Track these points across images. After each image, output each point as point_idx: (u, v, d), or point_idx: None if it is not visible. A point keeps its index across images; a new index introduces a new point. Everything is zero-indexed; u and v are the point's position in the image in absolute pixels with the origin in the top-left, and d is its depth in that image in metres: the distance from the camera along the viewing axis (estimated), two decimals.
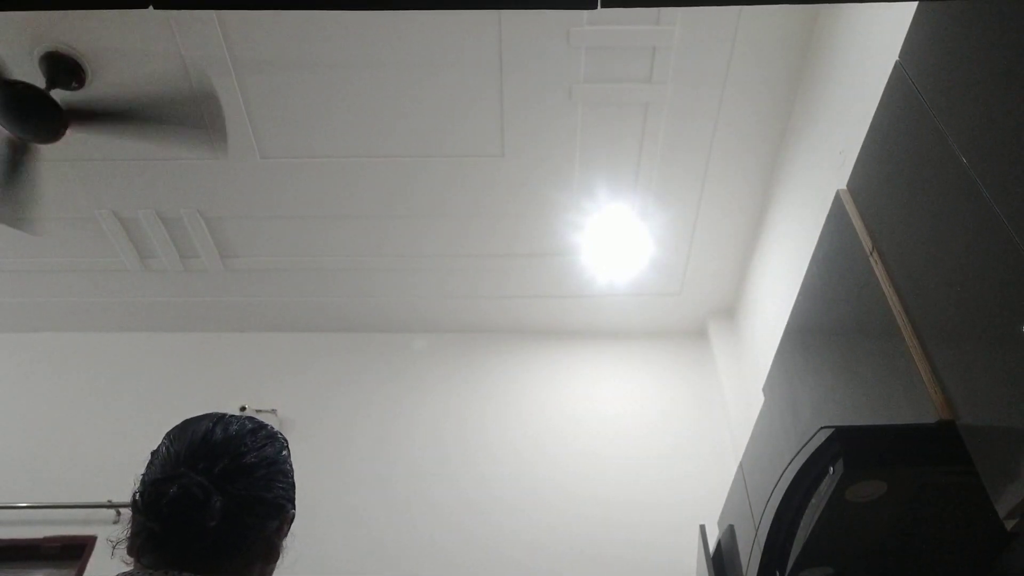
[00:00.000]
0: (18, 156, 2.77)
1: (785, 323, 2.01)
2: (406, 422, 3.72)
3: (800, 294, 1.93)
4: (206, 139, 2.91)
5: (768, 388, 2.11)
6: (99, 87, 2.88)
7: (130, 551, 0.94)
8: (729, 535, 2.18)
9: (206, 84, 2.81)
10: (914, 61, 1.41)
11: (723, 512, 2.33)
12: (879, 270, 1.50)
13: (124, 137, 2.79)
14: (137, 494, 0.94)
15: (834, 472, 1.34)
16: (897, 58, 1.47)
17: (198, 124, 2.86)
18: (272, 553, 1.00)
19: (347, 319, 4.05)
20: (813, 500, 1.45)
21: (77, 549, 3.23)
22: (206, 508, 0.91)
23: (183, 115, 2.78)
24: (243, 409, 3.65)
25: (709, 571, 2.22)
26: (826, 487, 1.38)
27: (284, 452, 1.07)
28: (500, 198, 3.39)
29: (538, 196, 3.37)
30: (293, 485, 1.05)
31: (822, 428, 1.40)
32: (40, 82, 2.72)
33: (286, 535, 1.02)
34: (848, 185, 1.68)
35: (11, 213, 2.99)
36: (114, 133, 2.77)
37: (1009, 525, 1.11)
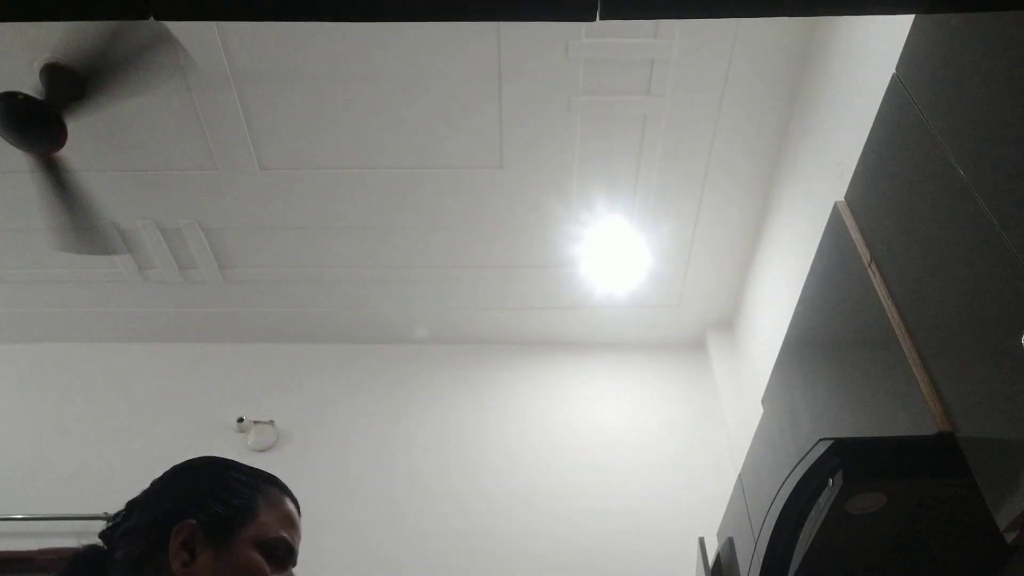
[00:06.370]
0: (54, 174, 2.69)
1: (784, 335, 2.01)
2: (405, 433, 3.71)
3: (799, 306, 1.93)
4: (175, 66, 2.77)
5: (767, 400, 2.10)
6: (99, 98, 2.88)
7: None
8: (728, 547, 2.17)
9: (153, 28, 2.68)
10: (911, 74, 1.42)
11: (722, 524, 2.33)
12: (877, 282, 1.50)
13: (111, 99, 2.70)
14: None
15: (833, 484, 1.34)
16: (894, 71, 1.47)
17: (159, 58, 2.72)
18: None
19: (346, 330, 4.04)
20: (812, 512, 1.44)
21: None
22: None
23: (140, 50, 2.64)
24: (241, 420, 3.64)
25: None
26: (825, 499, 1.37)
27: (192, 469, 1.05)
28: (499, 210, 3.39)
29: (537, 208, 3.37)
30: (192, 497, 1.00)
31: (821, 440, 1.39)
32: (40, 93, 2.72)
33: (187, 545, 0.97)
34: (846, 197, 1.69)
35: (93, 242, 2.93)
36: (103, 102, 2.68)
37: (1009, 538, 1.11)
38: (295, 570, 1.05)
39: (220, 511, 1.00)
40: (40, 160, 2.69)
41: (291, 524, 1.05)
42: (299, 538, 1.07)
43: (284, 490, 1.09)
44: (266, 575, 0.99)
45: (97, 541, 1.03)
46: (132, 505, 1.03)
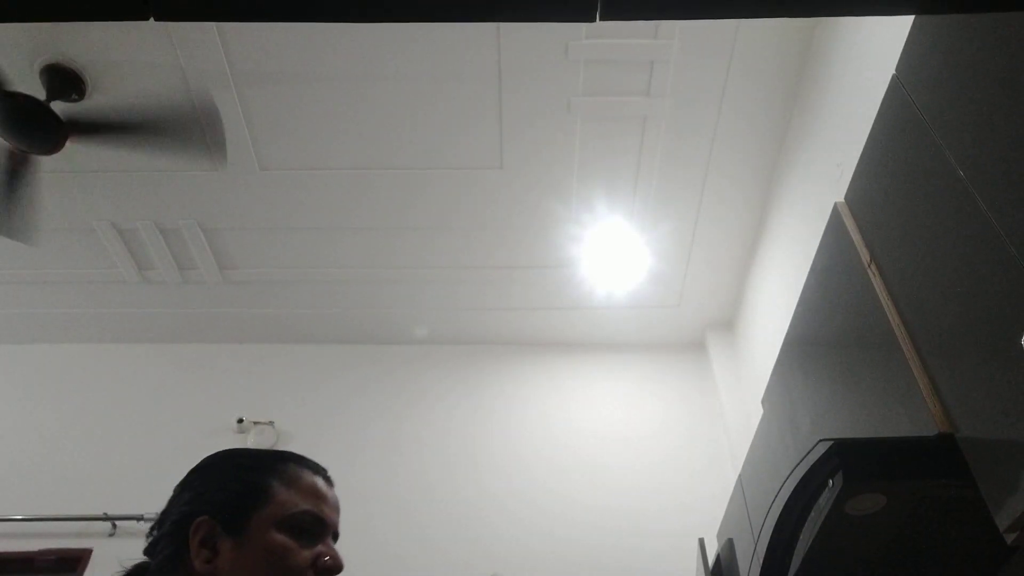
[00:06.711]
0: (18, 168, 2.77)
1: (784, 335, 2.01)
2: (405, 433, 3.71)
3: (798, 306, 1.93)
4: (205, 153, 2.90)
5: (767, 400, 2.10)
6: (99, 99, 2.88)
7: None
8: (728, 548, 2.17)
9: (206, 98, 2.81)
10: (911, 75, 1.42)
11: (722, 525, 2.32)
12: (877, 282, 1.50)
13: (123, 149, 2.79)
14: None
15: (833, 485, 1.34)
16: (894, 72, 1.47)
17: (198, 138, 2.86)
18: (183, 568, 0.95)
19: (345, 331, 4.04)
20: (812, 513, 1.44)
21: (72, 562, 3.20)
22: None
23: (183, 128, 2.78)
24: (241, 421, 3.64)
25: None
26: (825, 500, 1.37)
27: (205, 467, 1.06)
28: (499, 210, 3.39)
29: (537, 208, 3.37)
30: (204, 494, 1.00)
31: (821, 441, 1.39)
32: (40, 94, 2.73)
33: (207, 542, 0.96)
34: (846, 198, 1.69)
35: (10, 225, 2.98)
36: (113, 145, 2.77)
37: (1009, 539, 1.11)
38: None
39: (231, 501, 0.98)
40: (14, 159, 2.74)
41: (316, 496, 1.02)
42: (332, 508, 1.04)
43: (305, 464, 1.06)
44: (292, 553, 0.96)
45: (142, 557, 1.02)
46: (163, 514, 1.02)
